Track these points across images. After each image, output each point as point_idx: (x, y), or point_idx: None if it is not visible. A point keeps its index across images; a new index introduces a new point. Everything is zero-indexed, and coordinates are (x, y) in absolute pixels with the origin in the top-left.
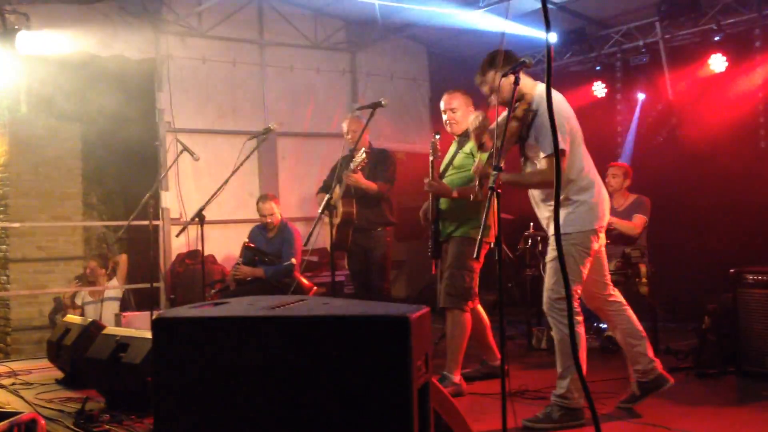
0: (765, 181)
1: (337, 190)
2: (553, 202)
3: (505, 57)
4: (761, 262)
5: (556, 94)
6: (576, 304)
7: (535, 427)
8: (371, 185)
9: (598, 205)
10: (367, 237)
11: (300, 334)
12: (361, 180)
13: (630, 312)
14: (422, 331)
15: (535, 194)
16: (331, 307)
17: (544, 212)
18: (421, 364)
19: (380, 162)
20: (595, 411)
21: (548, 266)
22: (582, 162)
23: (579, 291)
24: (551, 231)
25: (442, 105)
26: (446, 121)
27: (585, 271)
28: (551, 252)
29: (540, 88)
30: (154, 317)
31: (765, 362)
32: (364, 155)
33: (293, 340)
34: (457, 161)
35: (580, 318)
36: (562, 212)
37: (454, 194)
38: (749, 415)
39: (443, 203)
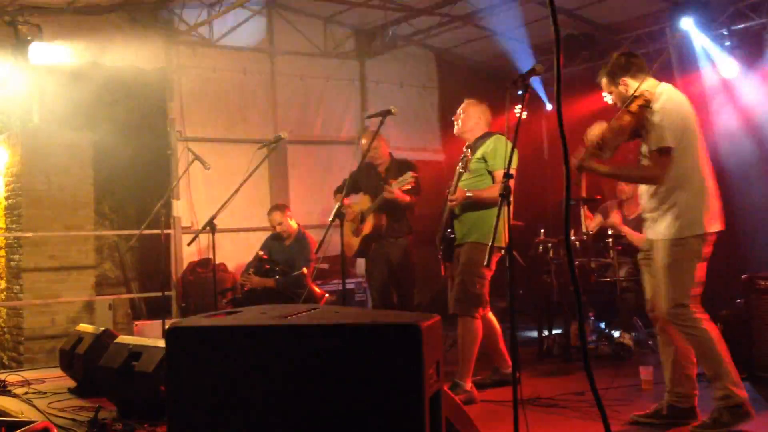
0: None
1: (367, 202)
2: (660, 207)
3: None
4: None
5: (677, 94)
6: (698, 305)
7: None
8: (405, 198)
9: (709, 210)
10: (390, 245)
11: (312, 343)
12: (399, 195)
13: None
14: (433, 340)
15: (644, 199)
16: (342, 315)
17: (654, 212)
18: (433, 372)
19: (405, 173)
20: (606, 417)
21: (661, 273)
22: (695, 165)
23: (698, 294)
24: (655, 234)
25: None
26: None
27: (699, 274)
28: (664, 258)
29: (662, 87)
30: (167, 326)
31: None
32: (410, 178)
33: (305, 349)
34: (473, 168)
35: (701, 316)
36: (682, 214)
37: (469, 194)
38: (763, 421)
39: (457, 208)
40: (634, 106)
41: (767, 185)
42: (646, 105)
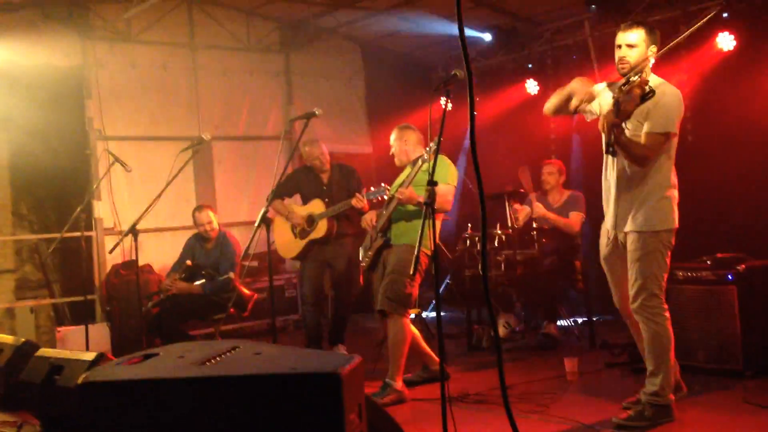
0: (693, 175)
1: (320, 206)
2: (637, 200)
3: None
4: (691, 258)
5: (673, 87)
6: (664, 298)
7: (628, 425)
8: (418, 198)
9: (678, 205)
10: (332, 245)
11: (230, 395)
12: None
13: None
14: (354, 383)
15: (612, 186)
16: (262, 359)
17: (623, 204)
18: (354, 416)
19: (350, 178)
20: (510, 410)
21: (633, 264)
22: (673, 161)
23: (664, 287)
24: (626, 227)
25: None
26: None
27: (668, 263)
28: (638, 250)
29: (656, 79)
30: (80, 381)
31: (697, 356)
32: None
33: (223, 402)
34: (418, 179)
35: (667, 314)
36: (656, 207)
37: (421, 199)
38: (681, 409)
39: (396, 212)
40: (641, 84)
41: (684, 174)
42: (645, 85)
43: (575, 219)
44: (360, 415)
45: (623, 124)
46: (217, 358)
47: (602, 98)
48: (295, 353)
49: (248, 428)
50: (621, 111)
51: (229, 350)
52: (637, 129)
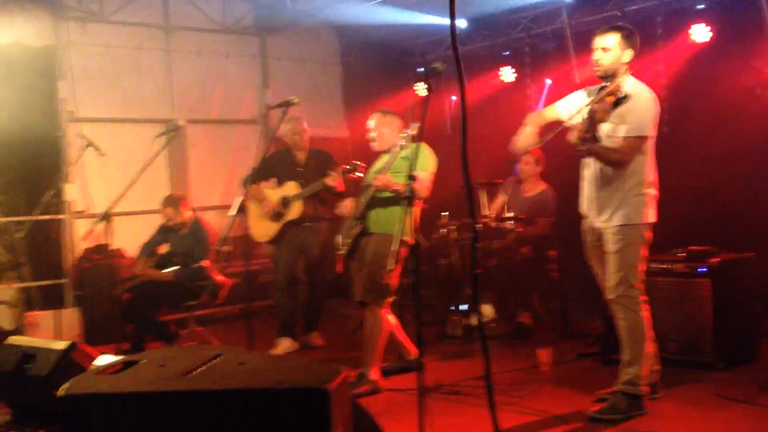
0: (668, 167)
1: (294, 188)
2: (614, 197)
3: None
4: (663, 250)
5: (647, 89)
6: (643, 288)
7: (603, 418)
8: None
9: (655, 201)
10: (307, 230)
11: (215, 410)
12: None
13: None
14: (341, 397)
15: (591, 185)
16: (246, 371)
17: (602, 202)
18: (341, 431)
19: (326, 163)
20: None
21: (613, 257)
22: (653, 158)
23: (643, 278)
24: (605, 223)
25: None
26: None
27: (645, 256)
28: (616, 243)
29: (631, 82)
30: (60, 393)
31: (668, 347)
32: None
33: (208, 416)
34: (396, 165)
35: (646, 305)
36: (634, 202)
37: (400, 186)
38: (654, 401)
39: (371, 200)
40: (614, 91)
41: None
42: (619, 91)
43: (542, 224)
44: (346, 429)
45: (599, 127)
46: (200, 369)
47: (571, 102)
48: (278, 363)
49: None
50: (595, 120)
51: (211, 359)
52: (613, 131)
